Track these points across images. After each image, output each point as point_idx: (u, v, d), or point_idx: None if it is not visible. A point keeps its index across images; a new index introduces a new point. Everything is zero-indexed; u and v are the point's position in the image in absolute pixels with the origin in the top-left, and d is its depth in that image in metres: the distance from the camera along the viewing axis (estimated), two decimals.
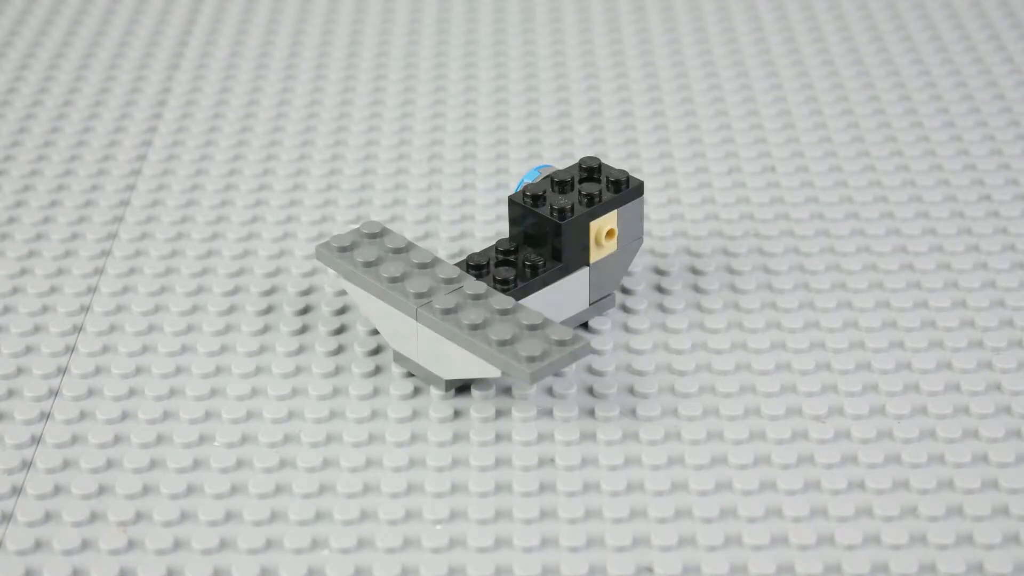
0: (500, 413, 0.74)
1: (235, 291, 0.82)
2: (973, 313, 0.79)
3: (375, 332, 0.78)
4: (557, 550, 0.68)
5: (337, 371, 0.77)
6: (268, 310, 0.80)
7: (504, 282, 0.75)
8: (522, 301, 0.75)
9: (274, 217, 0.87)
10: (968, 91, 0.97)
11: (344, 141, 0.94)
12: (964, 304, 0.80)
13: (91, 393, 0.76)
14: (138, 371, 0.77)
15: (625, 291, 0.81)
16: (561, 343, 0.71)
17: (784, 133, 0.94)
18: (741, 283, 0.81)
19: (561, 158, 0.92)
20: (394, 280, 0.74)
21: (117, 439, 0.73)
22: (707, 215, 0.87)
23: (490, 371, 0.72)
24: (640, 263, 0.83)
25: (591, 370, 0.76)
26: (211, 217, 0.87)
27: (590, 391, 0.75)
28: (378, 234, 0.77)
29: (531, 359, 0.70)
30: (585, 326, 0.79)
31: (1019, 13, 1.06)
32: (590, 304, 0.78)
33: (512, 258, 0.76)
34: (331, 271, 0.82)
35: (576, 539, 0.68)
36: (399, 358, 0.76)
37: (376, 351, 0.77)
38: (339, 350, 0.78)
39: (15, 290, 0.82)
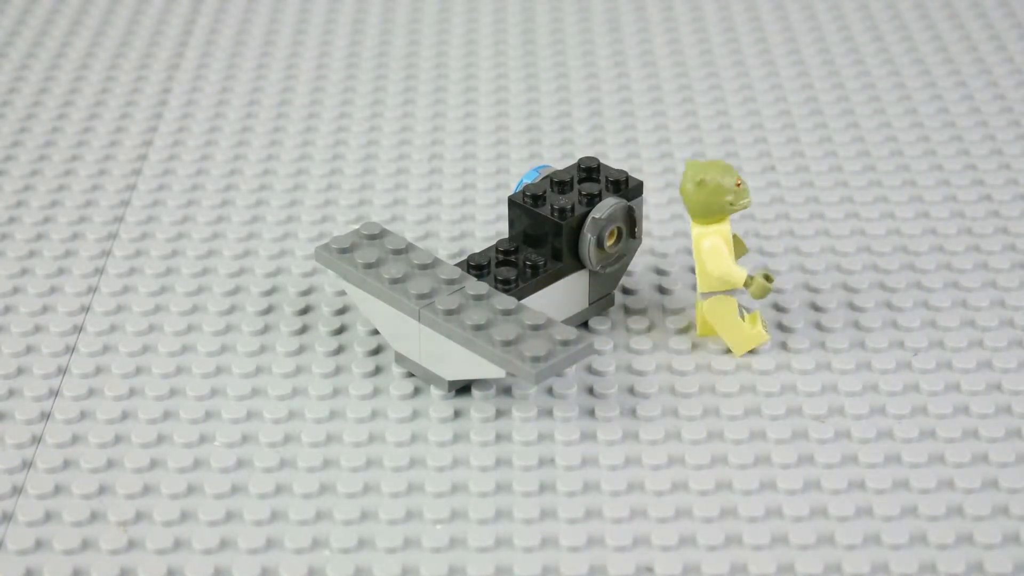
0: (500, 413, 0.74)
1: (235, 291, 0.82)
2: (973, 313, 0.79)
3: (375, 332, 0.78)
4: (557, 550, 0.68)
5: (337, 371, 0.77)
6: (268, 310, 0.80)
7: (506, 282, 0.75)
8: (523, 301, 0.75)
9: (274, 217, 0.87)
10: (968, 91, 0.97)
11: (344, 141, 0.94)
12: (964, 304, 0.80)
13: (91, 393, 0.76)
14: (138, 371, 0.77)
15: (625, 291, 0.81)
16: (565, 343, 0.71)
17: (784, 133, 0.94)
18: None
19: (561, 158, 0.92)
20: (395, 281, 0.74)
21: (117, 439, 0.73)
22: None
23: (494, 371, 0.72)
24: (640, 263, 0.83)
25: (591, 370, 0.76)
26: (211, 217, 0.87)
27: (590, 391, 0.75)
28: (377, 235, 0.77)
29: (535, 359, 0.70)
30: (585, 326, 0.79)
31: (1019, 13, 1.06)
32: (590, 304, 0.78)
33: (513, 258, 0.76)
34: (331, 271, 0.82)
35: (576, 539, 0.68)
36: (400, 359, 0.76)
37: (376, 351, 0.77)
38: (339, 350, 0.78)
39: (15, 290, 0.82)
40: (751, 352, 0.77)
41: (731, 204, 0.75)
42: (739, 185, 0.75)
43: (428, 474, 0.71)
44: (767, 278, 0.75)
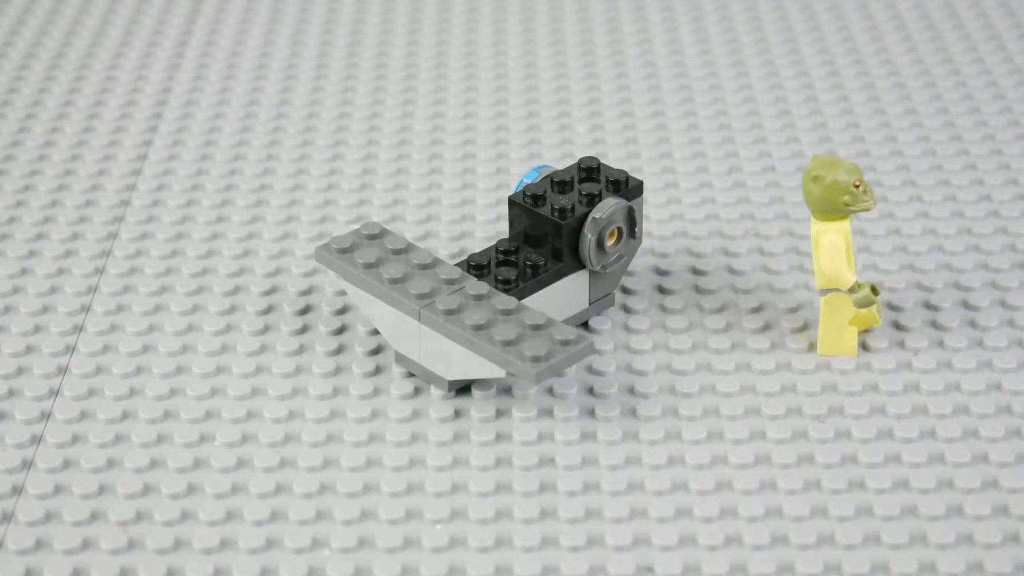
0: (500, 413, 0.74)
1: (235, 291, 0.82)
2: (973, 313, 0.79)
3: (375, 332, 0.78)
4: (557, 550, 0.68)
5: (337, 371, 0.77)
6: (268, 310, 0.80)
7: (506, 282, 0.75)
8: (523, 301, 0.75)
9: (274, 217, 0.87)
10: (968, 91, 0.97)
11: (344, 141, 0.94)
12: (964, 304, 0.80)
13: (92, 393, 0.76)
14: (139, 371, 0.77)
15: (625, 291, 0.81)
16: (565, 343, 0.71)
17: (784, 133, 0.94)
18: (741, 283, 0.81)
19: (561, 158, 0.92)
20: (396, 281, 0.74)
21: (118, 439, 0.73)
22: (707, 215, 0.87)
23: (494, 371, 0.72)
24: (640, 263, 0.83)
25: (591, 370, 0.76)
26: (211, 217, 0.87)
27: (590, 391, 0.75)
28: (377, 235, 0.77)
29: (535, 359, 0.70)
30: (585, 326, 0.79)
31: (1019, 13, 1.06)
32: (590, 304, 0.78)
33: (513, 258, 0.76)
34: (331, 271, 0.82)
35: (576, 539, 0.68)
36: (401, 359, 0.76)
37: (376, 351, 0.77)
38: (339, 350, 0.78)
39: (16, 290, 0.82)
40: (751, 352, 0.77)
41: (847, 204, 0.74)
42: (858, 186, 0.74)
43: (428, 474, 0.71)
44: (874, 290, 0.75)
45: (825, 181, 0.74)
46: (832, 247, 0.74)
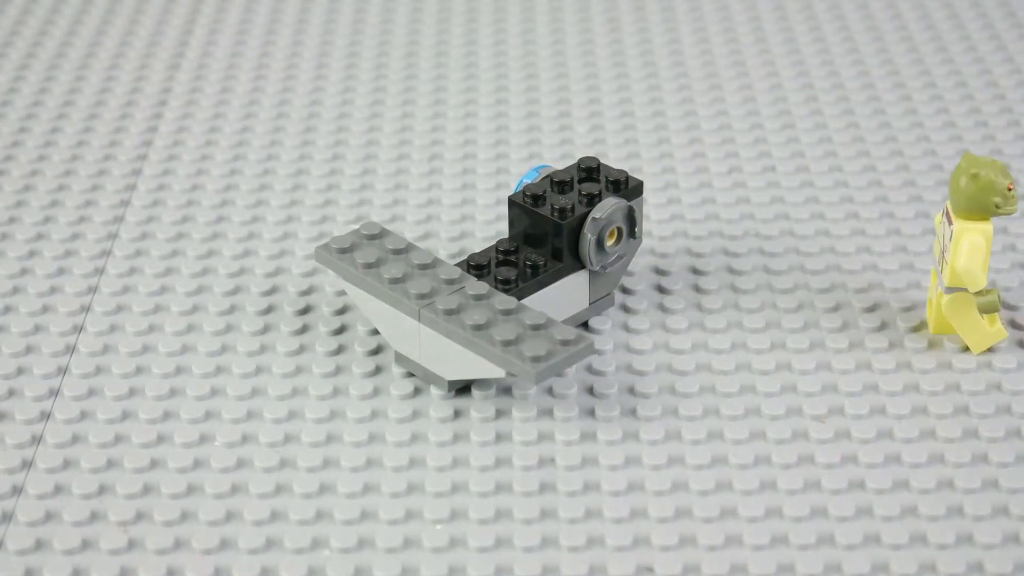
0: (500, 413, 0.74)
1: (235, 291, 0.82)
2: None
3: (375, 332, 0.78)
4: (557, 550, 0.68)
5: (337, 371, 0.77)
6: (268, 310, 0.80)
7: (506, 282, 0.75)
8: (523, 301, 0.75)
9: (274, 217, 0.87)
10: (968, 91, 0.97)
11: (344, 141, 0.94)
12: None
13: (91, 393, 0.76)
14: (138, 371, 0.77)
15: (625, 291, 0.81)
16: (565, 343, 0.71)
17: (784, 133, 0.94)
18: (741, 283, 0.81)
19: (561, 158, 0.92)
20: (395, 281, 0.74)
21: (117, 439, 0.73)
22: (707, 215, 0.87)
23: (494, 371, 0.72)
24: (640, 263, 0.83)
25: (591, 370, 0.76)
26: (211, 217, 0.87)
27: (590, 391, 0.75)
28: (377, 235, 0.77)
29: (535, 359, 0.70)
30: (585, 326, 0.79)
31: (1019, 13, 1.06)
32: (590, 304, 0.78)
33: (513, 258, 0.76)
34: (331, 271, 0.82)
35: (576, 539, 0.68)
36: (400, 359, 0.76)
37: (376, 351, 0.77)
38: (339, 350, 0.78)
39: (15, 290, 0.82)
40: (751, 352, 0.77)
41: (997, 207, 0.74)
42: (1010, 190, 0.74)
43: (428, 474, 0.71)
44: (999, 298, 0.75)
45: (981, 180, 0.74)
46: (974, 246, 0.74)
